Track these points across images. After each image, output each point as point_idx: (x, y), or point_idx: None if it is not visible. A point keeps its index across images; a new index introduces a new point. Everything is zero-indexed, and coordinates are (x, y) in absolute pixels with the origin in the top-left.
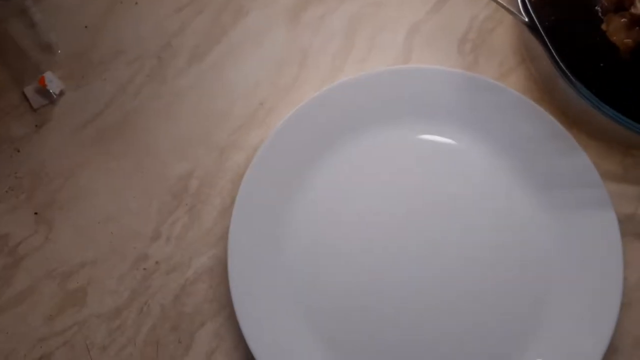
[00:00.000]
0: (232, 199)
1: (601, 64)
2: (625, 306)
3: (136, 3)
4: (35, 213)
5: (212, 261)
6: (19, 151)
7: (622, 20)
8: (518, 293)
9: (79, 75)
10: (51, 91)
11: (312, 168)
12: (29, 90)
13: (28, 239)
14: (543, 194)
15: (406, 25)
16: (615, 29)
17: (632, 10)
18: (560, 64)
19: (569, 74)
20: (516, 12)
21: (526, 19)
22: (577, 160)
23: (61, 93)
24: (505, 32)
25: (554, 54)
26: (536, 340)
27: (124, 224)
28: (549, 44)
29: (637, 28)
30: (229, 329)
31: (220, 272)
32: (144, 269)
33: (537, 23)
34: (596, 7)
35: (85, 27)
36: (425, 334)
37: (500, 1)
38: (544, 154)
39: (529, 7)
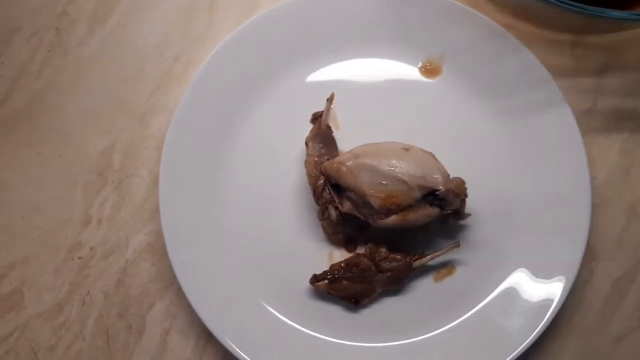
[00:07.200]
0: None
1: None
2: (598, 207)
3: None
4: None
5: (150, 237)
6: None
7: None
8: (483, 207)
9: None
10: None
11: (237, 119)
12: None
13: None
14: (493, 101)
15: None
16: None
17: None
18: None
19: None
20: None
21: None
22: (522, 59)
23: None
24: None
25: None
26: (512, 252)
27: (49, 214)
28: None
29: None
30: (180, 305)
31: (161, 247)
32: (80, 257)
33: None
34: None
35: None
36: None
37: None
38: (486, 59)
39: None
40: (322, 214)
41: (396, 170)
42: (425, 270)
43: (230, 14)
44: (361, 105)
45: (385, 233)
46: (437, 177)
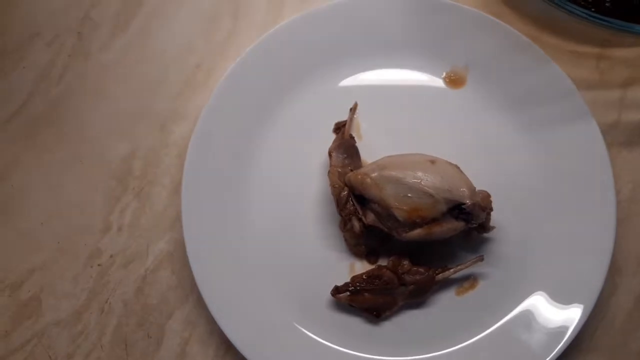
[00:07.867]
0: (181, 175)
1: None
2: (622, 221)
3: None
4: None
5: (170, 245)
6: None
7: None
8: (506, 219)
9: None
10: None
11: (260, 128)
12: None
13: None
14: (517, 112)
15: None
16: None
17: None
18: None
19: None
20: None
21: None
22: (547, 71)
23: None
24: None
25: None
26: (535, 267)
27: (69, 220)
28: None
29: None
30: (200, 314)
31: (181, 255)
32: (99, 265)
33: None
34: None
35: None
36: None
37: None
38: (511, 70)
39: None
40: (345, 225)
41: (422, 183)
42: (447, 283)
43: (254, 21)
44: (384, 116)
45: (408, 245)
46: (464, 190)
